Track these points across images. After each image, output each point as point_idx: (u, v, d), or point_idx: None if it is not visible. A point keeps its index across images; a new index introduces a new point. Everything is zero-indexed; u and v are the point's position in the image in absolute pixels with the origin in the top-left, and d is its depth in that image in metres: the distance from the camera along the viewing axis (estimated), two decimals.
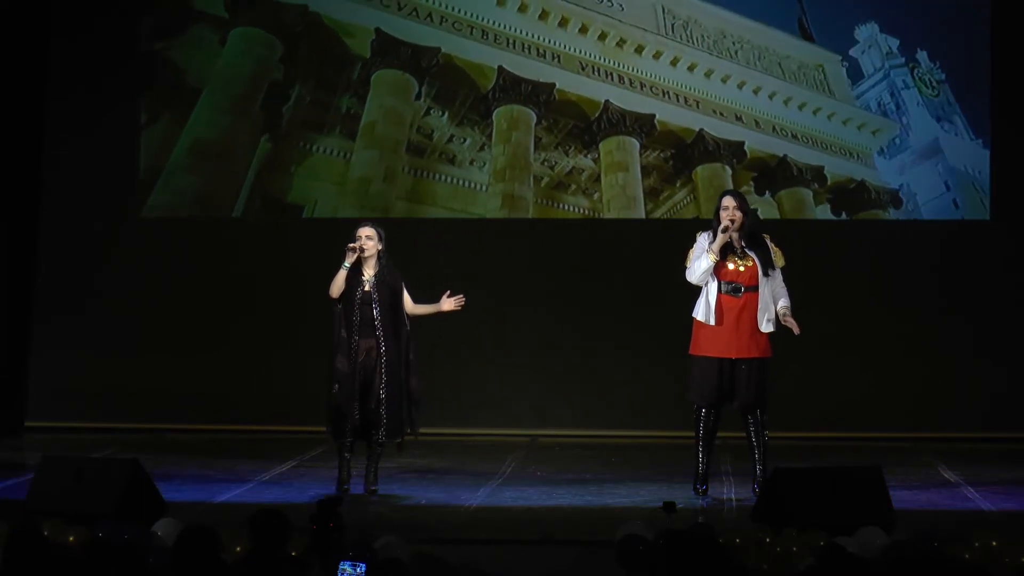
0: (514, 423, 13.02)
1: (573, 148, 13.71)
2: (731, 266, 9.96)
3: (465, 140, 13.71)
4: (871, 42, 13.80)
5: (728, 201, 9.99)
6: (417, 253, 12.22)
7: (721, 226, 9.92)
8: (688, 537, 6.77)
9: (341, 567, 6.71)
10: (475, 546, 8.28)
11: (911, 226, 13.19)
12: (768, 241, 10.05)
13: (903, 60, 13.66)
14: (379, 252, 10.04)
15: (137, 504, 8.66)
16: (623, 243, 13.18)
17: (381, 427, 9.98)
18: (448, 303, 10.28)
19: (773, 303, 9.93)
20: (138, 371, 13.12)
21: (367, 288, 10.01)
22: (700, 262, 9.93)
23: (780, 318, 9.93)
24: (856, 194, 13.56)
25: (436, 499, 10.00)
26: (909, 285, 12.99)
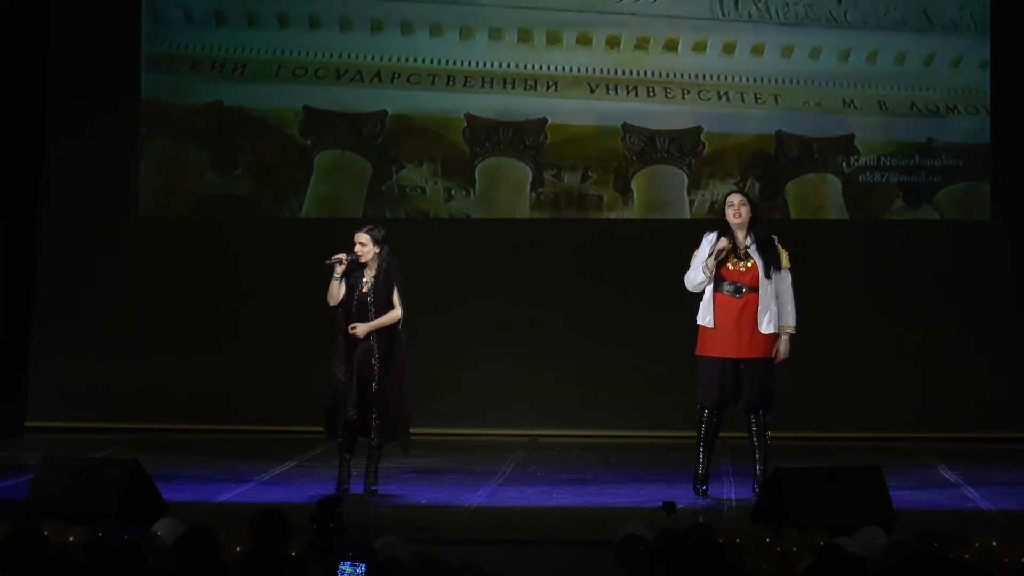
0: (514, 423, 13.01)
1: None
2: (731, 267, 9.93)
3: None
4: None
5: (734, 198, 9.90)
6: (416, 254, 12.20)
7: (719, 245, 9.79)
8: (688, 537, 6.78)
9: (341, 567, 6.72)
10: (475, 546, 8.29)
11: (911, 225, 13.13)
12: (775, 241, 10.00)
13: None
14: (376, 254, 10.01)
15: (137, 504, 8.65)
16: (624, 243, 13.14)
17: (383, 429, 9.98)
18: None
19: (777, 305, 9.89)
20: (138, 371, 13.12)
21: (364, 291, 10.00)
22: (695, 274, 9.89)
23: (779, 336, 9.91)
24: None
25: (436, 499, 9.99)
26: (909, 285, 12.98)
